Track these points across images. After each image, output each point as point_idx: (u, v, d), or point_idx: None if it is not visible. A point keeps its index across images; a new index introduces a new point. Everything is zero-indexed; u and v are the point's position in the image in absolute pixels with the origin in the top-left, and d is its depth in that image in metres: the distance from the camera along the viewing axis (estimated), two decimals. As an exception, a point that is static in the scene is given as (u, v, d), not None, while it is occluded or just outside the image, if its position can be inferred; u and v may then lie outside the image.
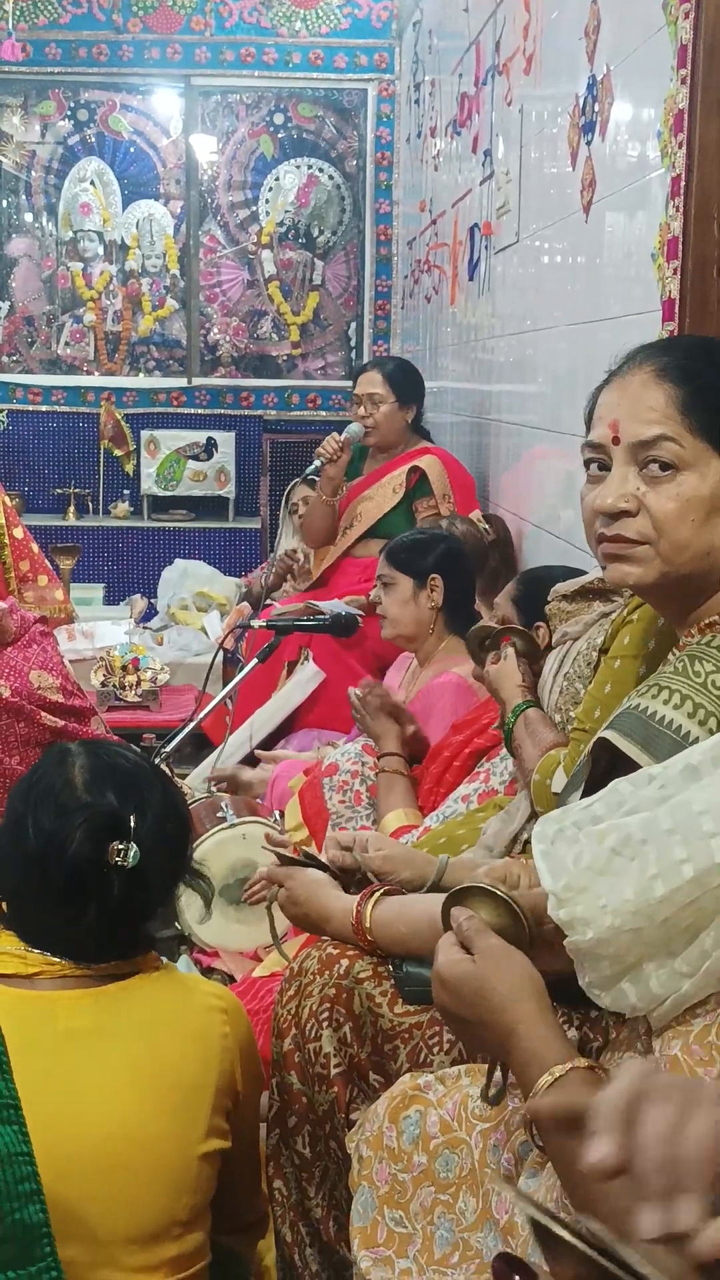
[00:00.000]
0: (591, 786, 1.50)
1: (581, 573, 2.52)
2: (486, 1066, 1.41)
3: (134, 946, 1.70)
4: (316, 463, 4.38)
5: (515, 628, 2.41)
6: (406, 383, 4.54)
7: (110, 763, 1.69)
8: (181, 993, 1.71)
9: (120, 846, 1.61)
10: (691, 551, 1.50)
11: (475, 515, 3.71)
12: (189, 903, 2.78)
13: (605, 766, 1.48)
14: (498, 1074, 1.35)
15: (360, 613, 3.95)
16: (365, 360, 7.30)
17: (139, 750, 1.83)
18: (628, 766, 1.43)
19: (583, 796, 1.50)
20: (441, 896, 1.41)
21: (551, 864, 1.22)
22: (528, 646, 2.35)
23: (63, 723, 3.40)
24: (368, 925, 1.80)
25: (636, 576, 1.53)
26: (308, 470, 4.41)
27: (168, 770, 2.82)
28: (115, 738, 3.58)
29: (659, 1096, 0.88)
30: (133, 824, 1.63)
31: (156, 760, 2.73)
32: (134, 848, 1.61)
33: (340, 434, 4.41)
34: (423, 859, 1.95)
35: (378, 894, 1.84)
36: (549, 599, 2.23)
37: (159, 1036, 1.65)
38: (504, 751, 2.50)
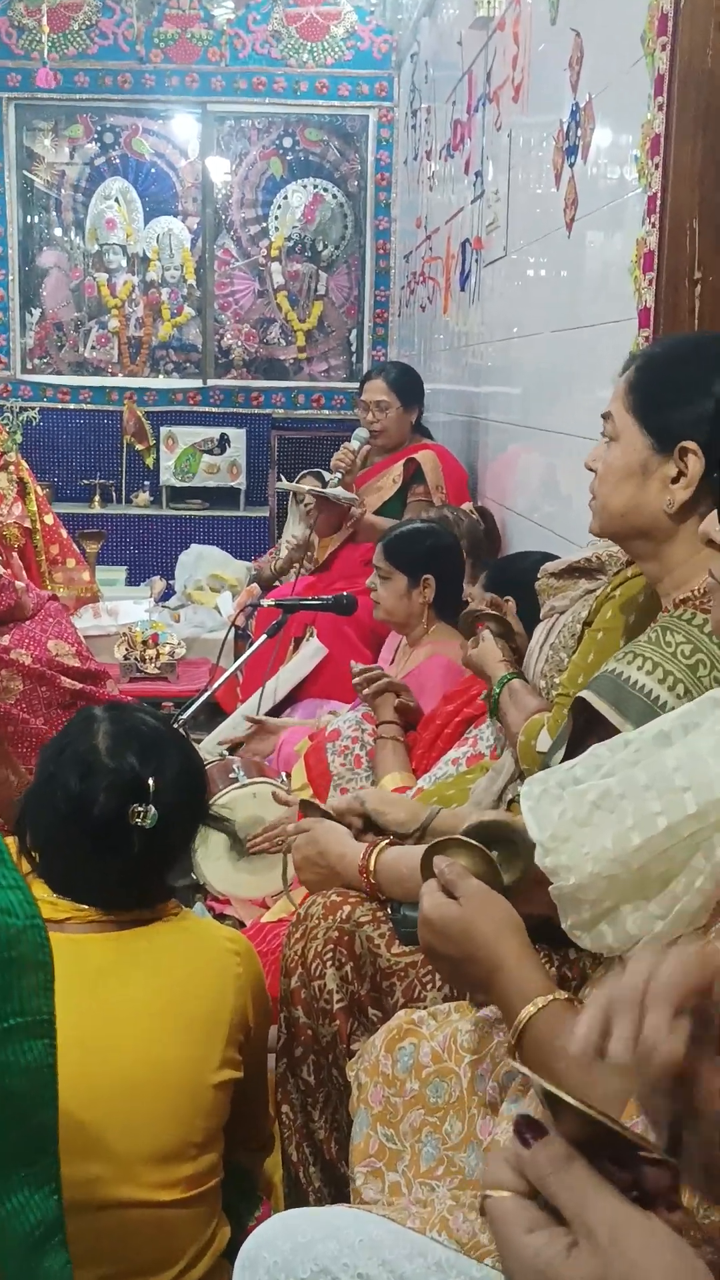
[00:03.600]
0: (573, 744, 1.50)
1: (554, 557, 2.52)
2: (475, 1003, 1.41)
3: (154, 895, 1.70)
4: (337, 475, 4.38)
5: (487, 613, 2.41)
6: (409, 387, 4.53)
7: (132, 727, 1.69)
8: (198, 936, 1.71)
9: (140, 809, 1.61)
10: (609, 511, 1.59)
11: (467, 507, 3.70)
12: (205, 854, 2.78)
13: (583, 724, 1.49)
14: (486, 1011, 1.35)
15: (354, 497, 4.12)
16: (365, 363, 7.31)
17: (160, 714, 1.83)
18: (603, 725, 1.44)
19: (565, 754, 1.51)
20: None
21: (538, 817, 1.22)
22: (502, 628, 2.35)
23: (80, 685, 3.42)
24: (372, 868, 1.80)
25: (591, 525, 1.65)
26: (329, 483, 4.40)
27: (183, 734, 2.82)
28: (128, 698, 3.59)
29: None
30: (152, 786, 1.63)
31: (174, 725, 2.72)
32: (152, 810, 1.61)
33: (351, 442, 4.42)
34: (416, 805, 1.96)
35: (383, 843, 1.84)
36: (538, 576, 2.23)
37: (178, 976, 1.65)
38: (490, 719, 2.50)
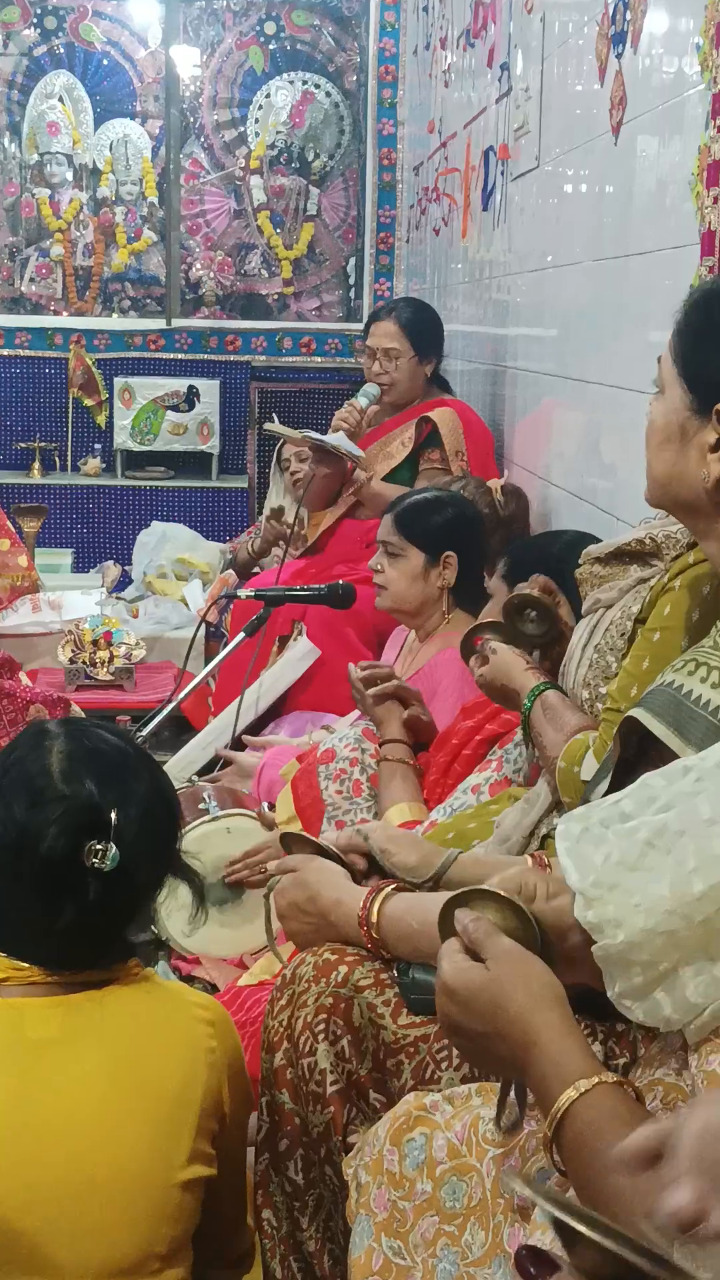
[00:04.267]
0: (620, 772, 1.50)
1: (592, 538, 2.52)
2: (500, 1088, 1.41)
3: (112, 952, 1.70)
4: (339, 435, 4.35)
5: (486, 623, 2.41)
6: (426, 332, 4.51)
7: (91, 746, 1.68)
8: (163, 1003, 1.71)
9: (99, 846, 1.61)
10: (652, 478, 1.60)
11: (495, 485, 3.69)
12: (169, 904, 2.78)
13: (633, 748, 1.49)
14: (512, 1097, 1.35)
15: (360, 453, 4.10)
16: (365, 300, 7.31)
17: (124, 731, 1.83)
18: (658, 749, 1.43)
19: (611, 784, 1.51)
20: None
21: (577, 861, 1.22)
22: (508, 636, 2.34)
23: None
24: (375, 920, 1.80)
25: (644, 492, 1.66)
26: (327, 440, 4.38)
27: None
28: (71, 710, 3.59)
29: None
30: (114, 820, 1.62)
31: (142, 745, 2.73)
32: (113, 848, 1.61)
33: (358, 399, 4.41)
34: (431, 847, 1.96)
35: (388, 889, 1.84)
36: (580, 561, 2.22)
37: (137, 1050, 1.65)
38: (518, 736, 2.50)
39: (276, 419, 4.44)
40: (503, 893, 1.34)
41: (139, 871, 1.66)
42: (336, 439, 4.28)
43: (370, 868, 1.98)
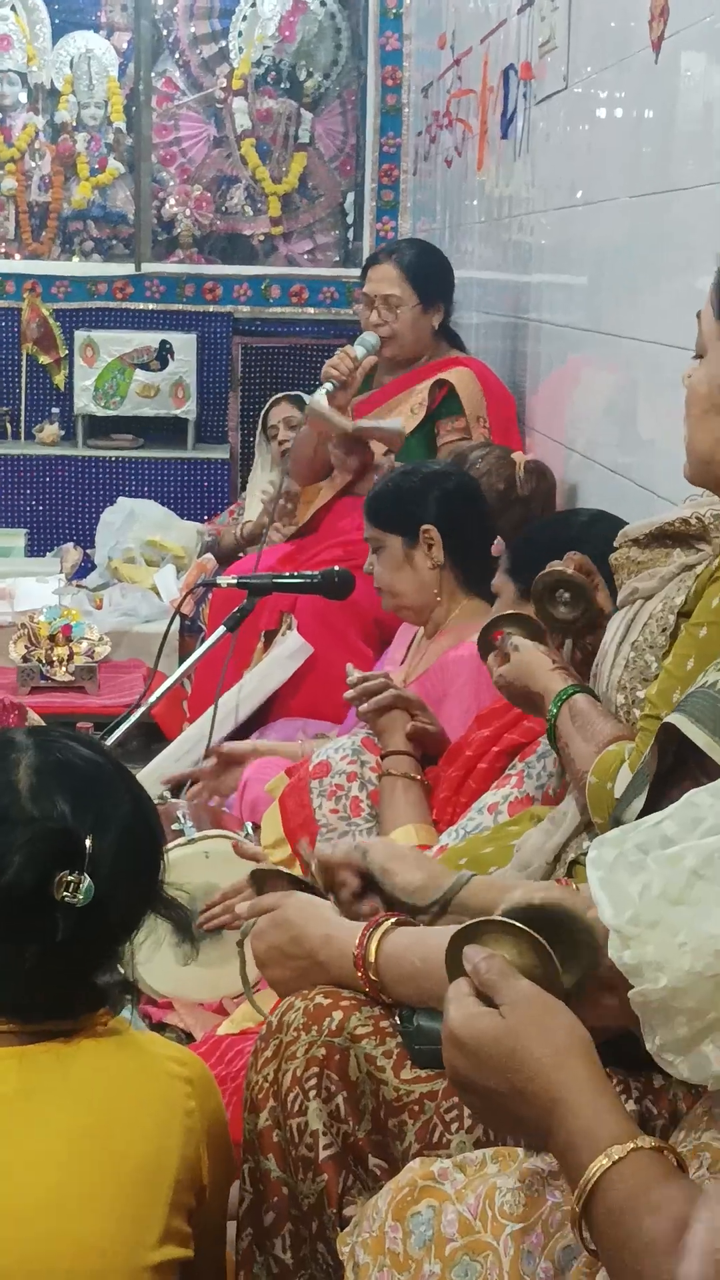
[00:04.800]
0: (657, 787, 1.50)
1: (616, 519, 2.51)
2: (519, 1150, 1.41)
3: (79, 999, 1.70)
4: (327, 386, 4.32)
5: (507, 614, 2.41)
6: (432, 277, 4.51)
7: (63, 761, 1.68)
8: (135, 1057, 1.71)
9: (71, 878, 1.60)
10: (693, 452, 1.62)
11: (519, 458, 3.68)
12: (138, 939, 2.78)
13: (673, 761, 1.49)
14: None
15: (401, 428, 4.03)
16: (366, 242, 7.32)
17: (101, 744, 1.82)
18: (703, 761, 1.43)
19: (647, 801, 1.51)
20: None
21: (613, 893, 1.22)
22: (531, 631, 2.34)
23: None
24: (372, 959, 1.80)
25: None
26: (315, 395, 4.37)
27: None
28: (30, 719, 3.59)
29: None
30: (89, 847, 1.62)
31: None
32: (87, 880, 1.61)
33: (354, 347, 4.38)
34: (440, 867, 1.96)
35: (388, 922, 1.84)
36: (615, 544, 2.22)
37: (105, 1112, 1.65)
38: (542, 748, 2.50)
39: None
40: (520, 925, 1.34)
41: (116, 906, 1.66)
42: (392, 424, 4.24)
43: (365, 890, 1.98)
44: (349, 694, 2.96)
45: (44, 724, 3.31)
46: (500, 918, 1.36)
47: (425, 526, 3.20)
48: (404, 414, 4.38)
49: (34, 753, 1.68)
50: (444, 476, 3.33)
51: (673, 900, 1.18)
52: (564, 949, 1.35)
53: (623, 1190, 1.16)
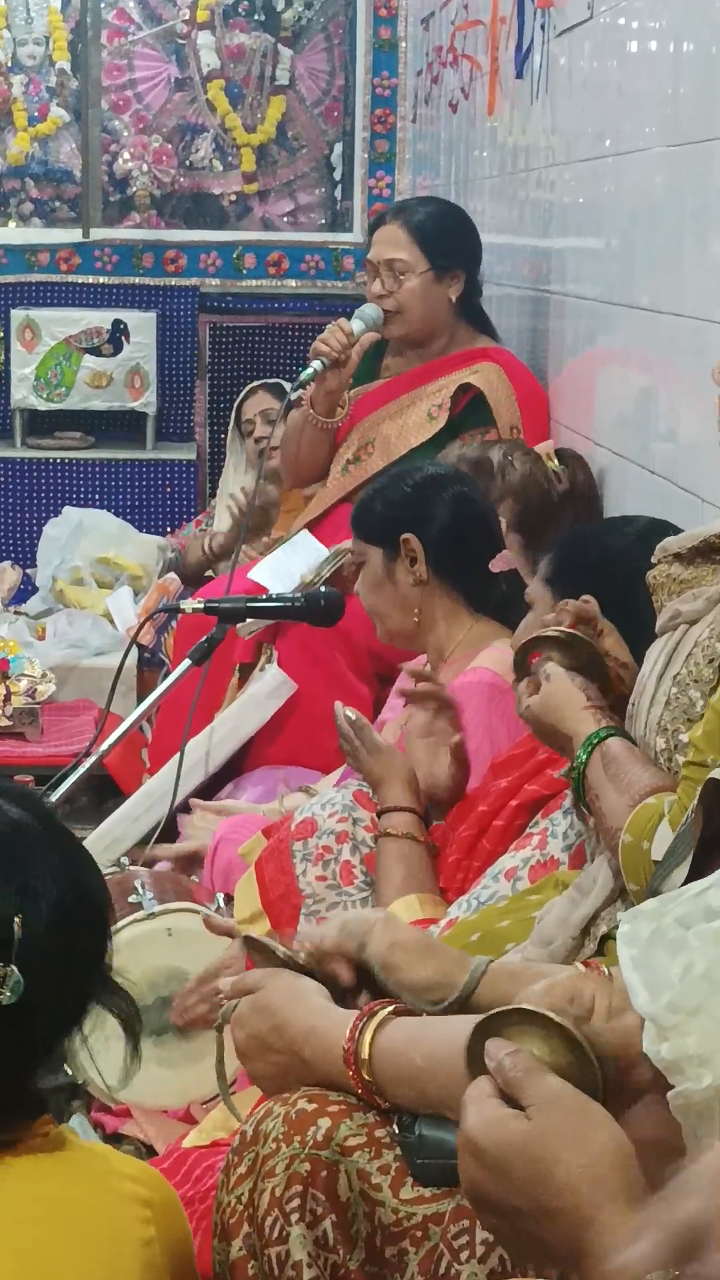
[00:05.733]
0: (706, 853, 1.50)
1: (670, 527, 2.52)
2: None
3: (12, 1108, 1.69)
4: (314, 365, 4.31)
5: (545, 635, 2.41)
6: (448, 238, 4.49)
7: None
8: (82, 1176, 1.71)
9: None
10: None
11: (545, 449, 3.68)
12: (91, 1034, 2.78)
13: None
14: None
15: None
16: (357, 200, 7.34)
17: (32, 794, 1.82)
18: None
19: (692, 867, 1.51)
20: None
21: (647, 976, 1.22)
22: (575, 657, 2.35)
23: None
24: (365, 1056, 1.80)
25: None
26: (300, 378, 4.35)
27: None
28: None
29: None
30: (17, 930, 1.62)
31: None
32: (14, 973, 1.61)
33: (352, 322, 4.36)
34: (453, 956, 1.96)
35: (384, 1011, 1.84)
36: (654, 559, 2.23)
37: (42, 1244, 1.65)
38: (569, 800, 2.51)
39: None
40: (550, 1014, 1.34)
41: (52, 1002, 1.66)
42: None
43: (360, 983, 1.98)
44: (347, 712, 2.95)
45: None
46: (528, 1006, 1.36)
47: (405, 537, 3.20)
48: (420, 418, 4.33)
49: None
50: (439, 480, 3.33)
51: (717, 984, 1.18)
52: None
53: None
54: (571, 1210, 1.24)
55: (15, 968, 1.60)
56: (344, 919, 2.04)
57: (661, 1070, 1.22)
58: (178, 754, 3.72)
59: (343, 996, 1.96)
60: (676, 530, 2.54)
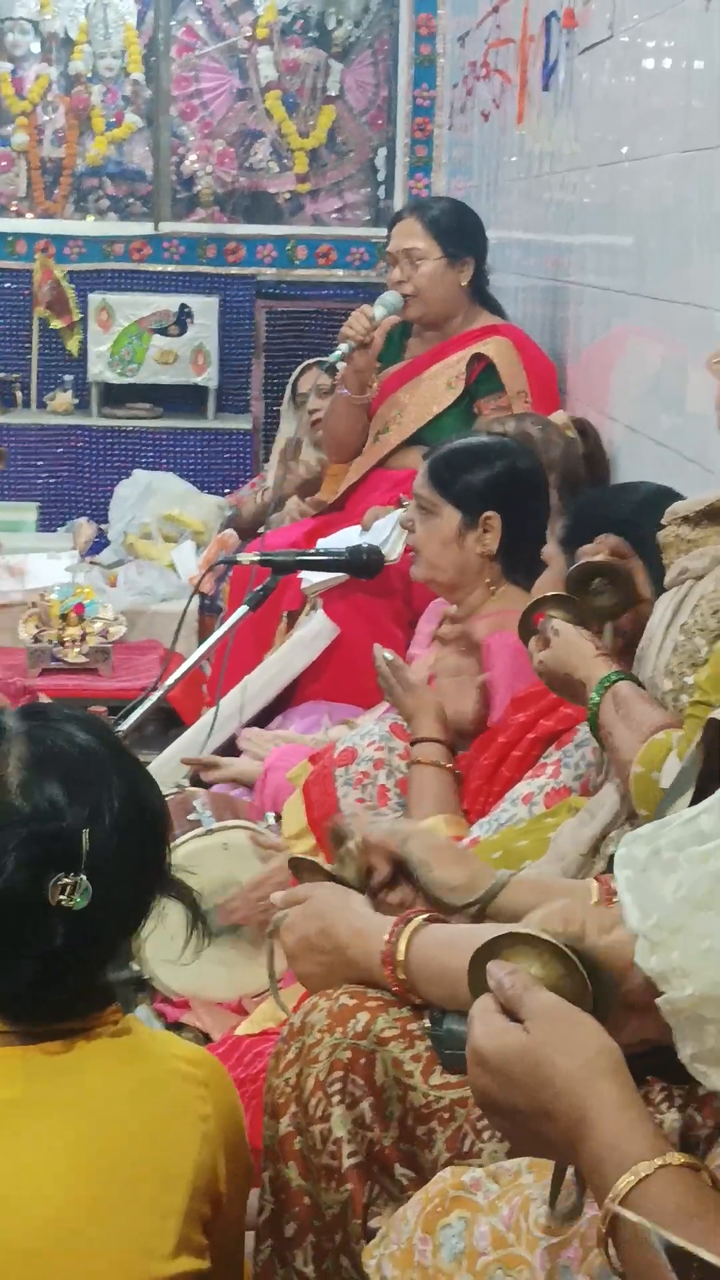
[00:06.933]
0: (707, 786, 1.49)
1: (675, 493, 2.50)
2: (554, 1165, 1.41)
3: (84, 999, 1.69)
4: (342, 348, 4.32)
5: (549, 596, 2.41)
6: (459, 231, 4.50)
7: (58, 747, 1.66)
8: (146, 1059, 1.71)
9: (67, 881, 1.59)
10: None
11: (560, 418, 3.66)
12: (155, 934, 2.79)
13: (719, 754, 1.48)
14: (570, 1175, 1.35)
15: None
16: (398, 199, 7.30)
17: (98, 722, 1.81)
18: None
19: (694, 798, 1.50)
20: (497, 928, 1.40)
21: (640, 897, 1.21)
22: (578, 612, 2.34)
23: None
24: (401, 957, 1.80)
25: None
26: (329, 358, 4.38)
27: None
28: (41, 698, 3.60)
29: None
30: (85, 843, 1.61)
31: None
32: (84, 882, 1.60)
33: (375, 308, 4.37)
34: (482, 865, 1.96)
35: (419, 919, 1.84)
36: (662, 522, 2.22)
37: (113, 1117, 1.65)
38: (580, 736, 2.50)
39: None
40: (544, 935, 1.34)
41: (118, 905, 1.65)
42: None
43: (394, 878, 1.98)
44: (388, 657, 2.95)
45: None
46: (524, 929, 1.36)
47: (489, 514, 3.16)
48: (439, 389, 4.35)
49: (24, 741, 1.66)
50: (518, 458, 3.26)
51: (699, 905, 1.18)
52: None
53: (649, 1209, 1.16)
54: (567, 1109, 1.23)
55: (85, 876, 1.60)
56: (393, 820, 2.05)
57: (652, 980, 1.21)
58: (237, 689, 3.73)
59: (376, 892, 1.97)
60: (679, 496, 2.53)
